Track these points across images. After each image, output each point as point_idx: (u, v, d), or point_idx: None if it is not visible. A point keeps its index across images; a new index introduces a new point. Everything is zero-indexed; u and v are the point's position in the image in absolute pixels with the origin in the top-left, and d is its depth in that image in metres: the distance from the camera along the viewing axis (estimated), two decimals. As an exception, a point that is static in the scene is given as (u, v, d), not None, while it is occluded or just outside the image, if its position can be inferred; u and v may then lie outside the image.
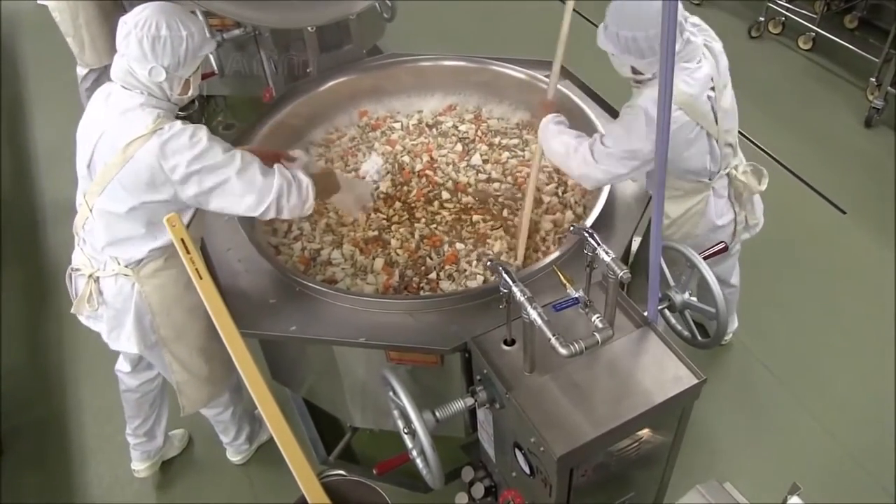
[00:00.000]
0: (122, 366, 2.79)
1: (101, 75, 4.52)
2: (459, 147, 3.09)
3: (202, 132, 2.13)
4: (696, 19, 2.46)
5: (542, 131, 2.58)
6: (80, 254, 2.44)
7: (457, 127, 3.20)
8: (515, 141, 3.11)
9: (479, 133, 3.15)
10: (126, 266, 2.31)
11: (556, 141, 2.53)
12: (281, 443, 1.95)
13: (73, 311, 2.50)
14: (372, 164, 2.95)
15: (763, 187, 2.61)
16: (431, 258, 2.60)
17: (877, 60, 4.73)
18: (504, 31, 5.75)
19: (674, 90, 2.21)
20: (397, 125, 3.26)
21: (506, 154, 3.04)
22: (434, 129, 3.21)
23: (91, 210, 2.26)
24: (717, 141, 2.47)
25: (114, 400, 3.39)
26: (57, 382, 3.54)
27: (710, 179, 2.55)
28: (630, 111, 2.36)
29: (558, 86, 2.86)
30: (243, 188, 2.17)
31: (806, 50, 5.37)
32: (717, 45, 2.48)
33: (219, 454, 3.14)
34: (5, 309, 3.89)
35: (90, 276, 2.39)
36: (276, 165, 2.28)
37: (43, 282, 4.01)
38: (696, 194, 2.59)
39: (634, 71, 2.39)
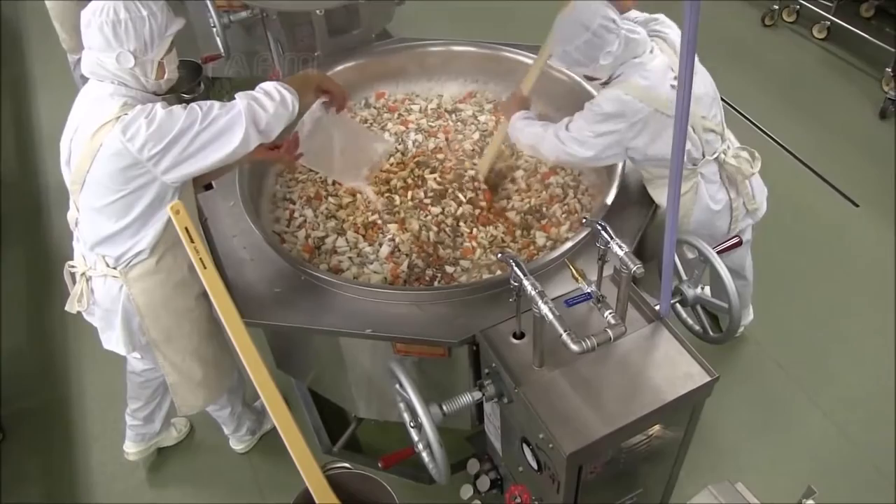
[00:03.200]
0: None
1: None
2: (477, 135, 3.05)
3: (157, 106, 2.04)
4: (635, 14, 2.54)
5: (512, 128, 2.68)
6: (77, 250, 2.41)
7: (476, 116, 3.16)
8: None
9: (498, 123, 3.10)
10: (114, 267, 2.26)
11: (525, 133, 2.62)
12: (285, 436, 1.92)
13: (66, 308, 2.46)
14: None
15: (755, 170, 2.61)
16: (444, 247, 2.56)
17: (893, 50, 4.65)
18: (510, 15, 5.67)
19: (632, 85, 2.33)
20: (415, 107, 3.23)
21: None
22: (454, 115, 3.18)
23: (78, 208, 2.22)
24: (693, 129, 2.46)
25: (117, 386, 3.37)
26: (60, 367, 3.52)
27: (694, 165, 2.52)
28: (588, 107, 2.44)
29: (572, 76, 2.85)
30: (213, 135, 2.04)
31: (820, 39, 5.29)
32: (672, 32, 2.50)
33: (221, 444, 3.12)
34: (8, 292, 3.87)
35: (82, 274, 2.36)
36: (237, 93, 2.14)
37: (46, 265, 3.99)
38: (685, 181, 2.56)
39: (590, 78, 2.51)
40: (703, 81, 2.49)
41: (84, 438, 3.22)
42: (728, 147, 2.59)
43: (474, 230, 2.63)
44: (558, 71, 2.98)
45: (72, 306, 2.45)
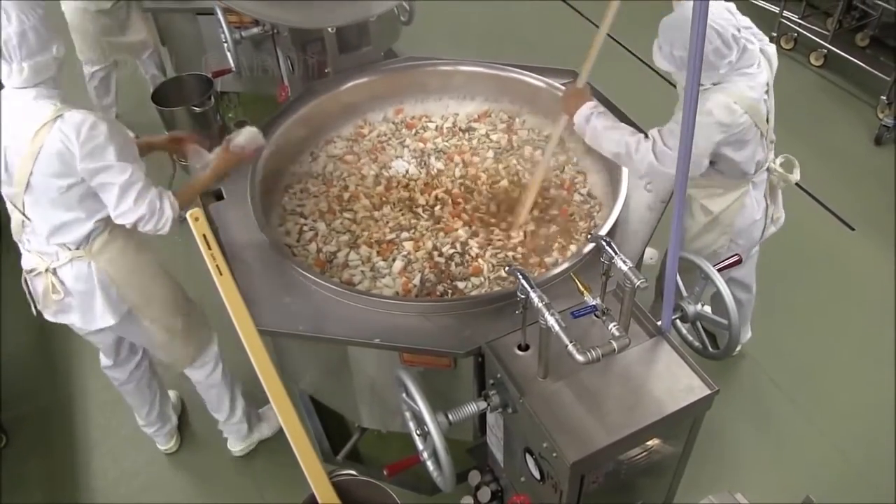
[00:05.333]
0: (105, 361, 2.86)
1: (109, 73, 4.54)
2: (491, 154, 3.10)
3: (103, 126, 2.16)
4: (747, 21, 2.49)
5: (583, 126, 2.59)
6: (28, 256, 2.47)
7: (489, 136, 3.21)
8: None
9: (512, 144, 3.16)
10: (77, 248, 2.38)
11: (611, 140, 2.55)
12: (293, 441, 1.94)
13: (39, 308, 2.54)
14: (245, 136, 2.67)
15: (797, 176, 2.67)
16: (455, 264, 2.62)
17: (888, 79, 4.75)
18: (514, 35, 5.77)
19: (739, 95, 2.31)
20: (432, 125, 3.29)
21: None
22: (467, 134, 3.23)
23: (23, 211, 2.30)
24: (765, 138, 2.54)
25: (119, 393, 3.41)
26: (62, 371, 3.55)
27: (754, 174, 2.61)
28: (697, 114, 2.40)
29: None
30: (118, 199, 2.24)
31: (817, 66, 5.39)
32: (771, 49, 2.53)
33: (223, 449, 3.15)
34: (10, 296, 3.89)
35: (46, 270, 2.42)
36: (153, 189, 2.31)
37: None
38: (735, 190, 2.65)
39: None
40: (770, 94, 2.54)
41: (86, 443, 3.25)
42: (774, 155, 2.67)
43: (486, 251, 2.67)
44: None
45: (46, 304, 2.51)
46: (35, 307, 2.57)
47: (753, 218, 2.69)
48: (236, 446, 3.13)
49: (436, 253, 2.66)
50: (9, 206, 2.35)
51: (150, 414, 2.99)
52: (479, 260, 2.62)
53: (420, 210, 2.84)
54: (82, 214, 2.31)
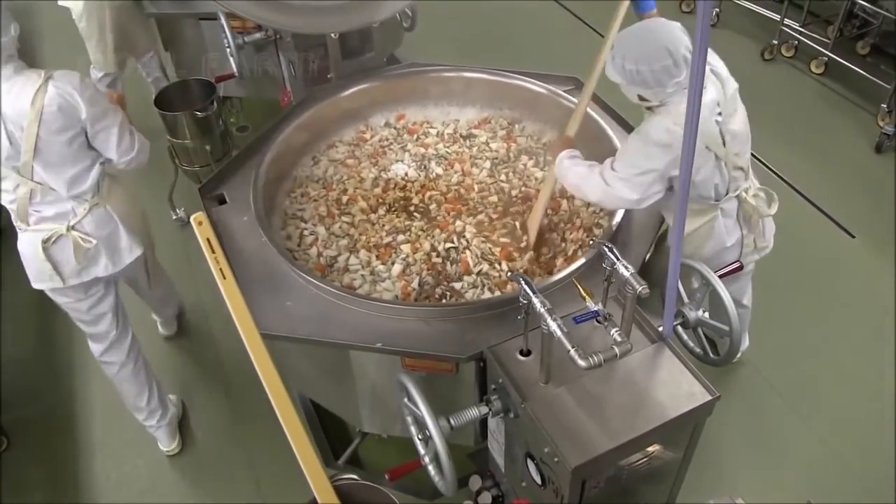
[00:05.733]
0: (98, 348, 2.98)
1: (116, 79, 4.55)
2: (488, 164, 3.12)
3: (88, 79, 2.52)
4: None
5: (558, 167, 2.65)
6: (43, 226, 2.61)
7: (489, 144, 3.23)
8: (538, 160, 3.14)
9: (511, 153, 3.17)
10: (92, 197, 2.62)
11: (571, 173, 2.59)
12: (295, 444, 1.95)
13: (66, 275, 2.69)
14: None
15: (772, 211, 2.63)
16: (449, 264, 2.62)
17: (888, 87, 4.77)
18: (512, 42, 5.79)
19: (679, 114, 2.22)
20: (433, 131, 3.31)
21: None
22: (468, 141, 3.25)
23: (34, 179, 2.49)
24: (725, 164, 2.50)
25: (119, 398, 3.41)
26: (65, 374, 3.56)
27: (717, 201, 2.57)
28: (637, 137, 2.42)
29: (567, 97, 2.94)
30: (118, 139, 2.57)
31: (818, 74, 5.41)
32: (724, 71, 2.51)
33: (224, 451, 3.16)
34: (14, 299, 3.90)
35: (68, 230, 2.60)
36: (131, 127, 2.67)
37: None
38: (703, 215, 2.61)
39: (641, 98, 2.43)
40: (741, 119, 2.52)
41: (88, 446, 3.25)
42: (750, 186, 2.62)
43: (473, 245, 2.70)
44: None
45: (77, 259, 2.65)
46: (60, 275, 2.68)
47: (724, 245, 2.64)
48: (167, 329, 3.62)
49: (434, 254, 2.67)
50: (12, 184, 2.52)
51: (150, 400, 3.05)
52: (466, 252, 2.65)
53: (413, 209, 2.88)
54: (87, 162, 2.56)
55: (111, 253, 2.73)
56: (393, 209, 2.91)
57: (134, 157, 2.64)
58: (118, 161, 2.61)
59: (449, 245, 2.70)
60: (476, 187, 3.01)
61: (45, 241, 2.60)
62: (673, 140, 2.30)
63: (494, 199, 2.94)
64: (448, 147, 3.22)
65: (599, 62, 2.59)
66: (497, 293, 2.55)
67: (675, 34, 2.31)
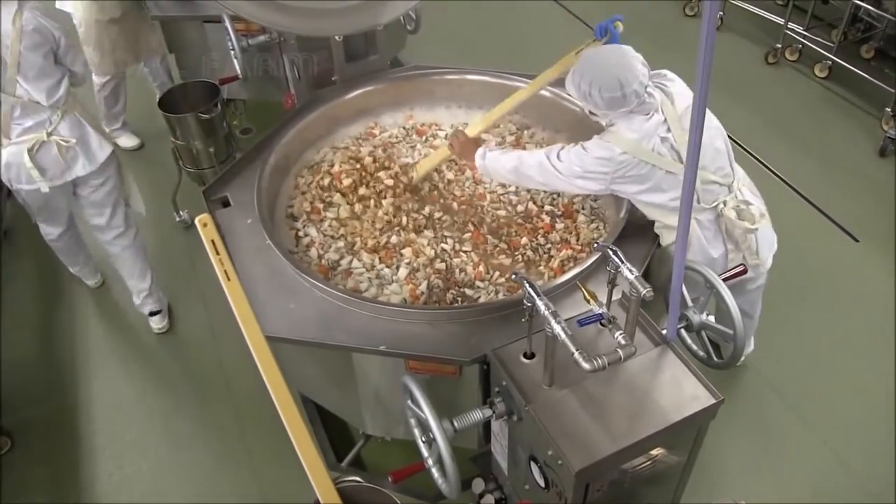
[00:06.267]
0: (99, 221, 3.45)
1: (119, 83, 4.56)
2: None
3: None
4: (663, 71, 2.61)
5: (484, 162, 2.71)
6: (27, 136, 3.04)
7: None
8: None
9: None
10: (64, 104, 3.09)
11: (503, 160, 2.67)
12: (298, 446, 1.95)
13: (49, 178, 3.12)
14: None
15: (754, 227, 2.58)
16: (461, 272, 2.62)
17: (892, 91, 4.76)
18: (515, 45, 5.80)
19: (619, 138, 2.41)
20: (442, 133, 3.31)
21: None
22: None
23: (15, 92, 2.95)
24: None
25: (124, 396, 3.42)
26: (68, 376, 3.56)
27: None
28: (580, 150, 2.51)
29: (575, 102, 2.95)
30: (77, 54, 3.17)
31: (822, 78, 5.40)
32: (675, 88, 2.55)
33: (224, 453, 3.16)
34: (18, 302, 3.91)
35: (48, 135, 3.06)
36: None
37: (53, 275, 4.04)
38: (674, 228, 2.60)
39: (592, 113, 2.55)
40: (715, 135, 2.55)
41: (90, 448, 3.25)
42: (731, 199, 2.60)
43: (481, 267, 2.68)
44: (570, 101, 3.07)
45: (61, 158, 3.10)
46: (46, 179, 3.12)
47: (710, 257, 2.63)
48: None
49: (437, 260, 2.66)
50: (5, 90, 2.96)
51: (144, 277, 3.60)
52: (480, 267, 2.64)
53: (420, 217, 2.86)
54: (59, 75, 3.06)
55: (86, 154, 3.19)
56: (390, 197, 2.92)
57: (88, 73, 3.37)
58: (82, 74, 3.21)
59: (457, 259, 2.69)
60: (488, 197, 2.99)
61: (30, 150, 3.05)
62: (611, 157, 2.43)
63: (503, 213, 2.92)
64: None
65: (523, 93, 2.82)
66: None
67: (633, 68, 2.39)
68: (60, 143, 3.08)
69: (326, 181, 2.97)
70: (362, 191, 2.93)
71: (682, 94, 2.54)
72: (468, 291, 2.54)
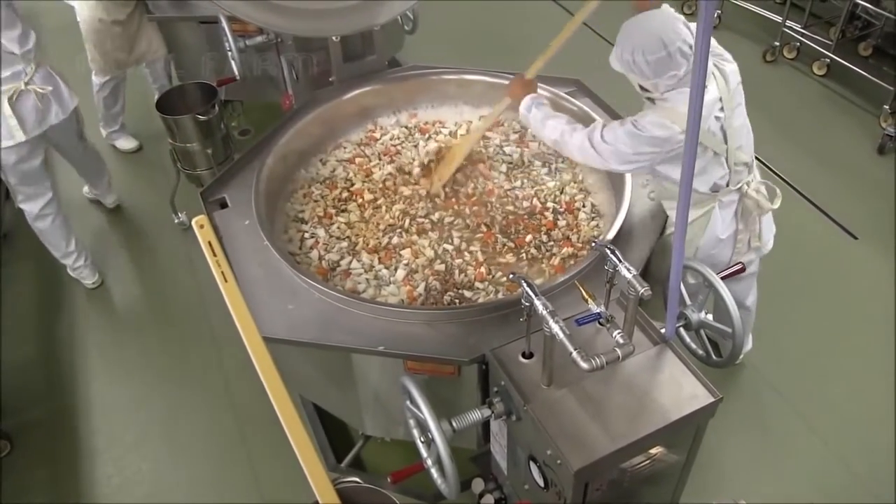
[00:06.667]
0: (35, 206, 3.69)
1: (119, 84, 4.56)
2: (504, 168, 3.10)
3: None
4: (718, 49, 2.53)
5: (525, 115, 2.70)
6: (8, 86, 3.29)
7: (502, 147, 3.21)
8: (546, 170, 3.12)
9: (525, 159, 3.14)
10: (34, 57, 3.37)
11: (548, 126, 2.62)
12: (297, 447, 1.95)
13: (28, 129, 3.37)
14: None
15: (775, 206, 2.63)
16: (461, 273, 2.62)
17: (891, 88, 4.76)
18: (513, 44, 5.78)
19: (677, 113, 2.31)
20: (445, 130, 3.31)
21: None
22: (481, 142, 3.23)
23: None
24: (726, 159, 2.50)
25: (124, 398, 3.43)
26: (67, 379, 3.56)
27: (716, 192, 2.58)
28: (630, 126, 2.42)
29: (578, 103, 2.92)
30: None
31: (820, 76, 5.40)
32: (730, 66, 2.52)
33: (224, 454, 3.16)
34: (18, 304, 3.91)
35: (26, 84, 3.34)
36: None
37: (53, 277, 4.04)
38: (699, 206, 2.61)
39: (643, 88, 2.48)
40: (741, 114, 2.53)
41: (90, 450, 3.25)
42: (752, 180, 2.63)
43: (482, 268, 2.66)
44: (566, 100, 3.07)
45: (40, 105, 3.40)
46: (24, 130, 3.38)
47: (718, 238, 2.65)
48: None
49: (437, 261, 2.66)
50: None
51: (77, 245, 3.88)
52: (481, 268, 2.63)
53: (426, 222, 2.85)
54: (28, 28, 3.32)
55: (59, 102, 3.50)
56: (401, 201, 2.92)
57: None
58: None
59: (459, 260, 2.68)
60: (496, 191, 2.98)
61: (10, 99, 3.30)
62: (670, 136, 2.34)
63: (511, 208, 2.91)
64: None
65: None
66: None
67: (674, 27, 2.33)
68: (38, 91, 3.37)
69: (345, 195, 2.97)
70: (381, 200, 2.93)
71: (735, 71, 2.53)
72: (467, 293, 2.53)
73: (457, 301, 2.51)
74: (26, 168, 3.55)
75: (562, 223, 2.81)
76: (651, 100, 2.49)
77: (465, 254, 2.70)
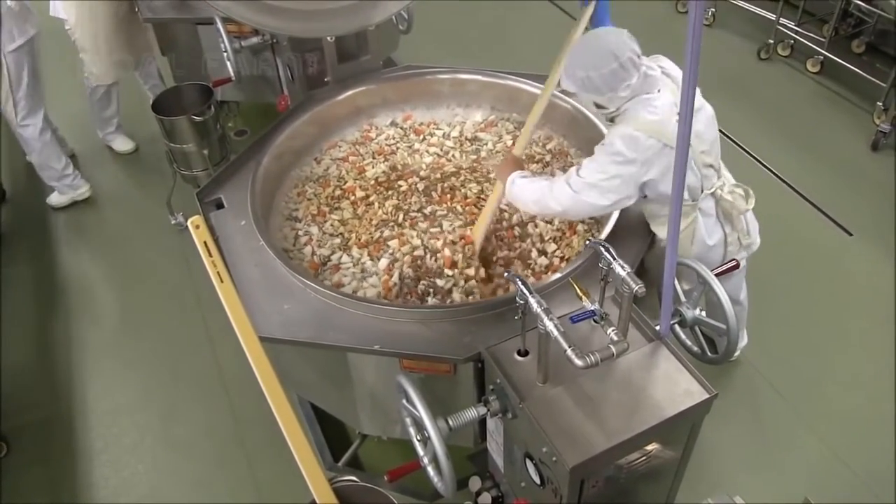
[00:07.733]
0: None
1: (111, 87, 4.56)
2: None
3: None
4: (654, 56, 2.55)
5: (511, 188, 2.60)
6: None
7: (494, 146, 3.22)
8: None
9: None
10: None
11: (528, 190, 2.55)
12: (294, 448, 1.95)
13: (11, 37, 3.82)
14: None
15: (750, 206, 2.62)
16: (430, 257, 2.63)
17: (884, 85, 4.78)
18: (510, 44, 5.81)
19: (640, 121, 2.32)
20: (439, 132, 3.32)
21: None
22: (473, 144, 3.24)
23: None
24: (694, 163, 2.50)
25: (121, 400, 3.43)
26: (64, 381, 3.56)
27: (693, 200, 2.57)
28: (601, 147, 2.42)
29: (572, 102, 2.92)
30: None
31: (814, 73, 5.42)
32: (676, 72, 2.52)
33: (222, 454, 3.16)
34: (12, 308, 3.91)
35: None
36: None
37: (49, 281, 4.04)
38: (684, 217, 2.58)
39: (599, 106, 2.47)
40: (705, 118, 2.51)
41: (87, 452, 3.25)
42: (724, 183, 2.62)
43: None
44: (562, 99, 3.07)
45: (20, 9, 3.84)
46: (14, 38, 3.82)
47: (707, 245, 2.64)
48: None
49: (419, 248, 2.67)
50: None
51: (62, 159, 4.34)
52: (447, 251, 2.63)
53: (419, 216, 2.86)
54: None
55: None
56: (393, 197, 2.93)
57: None
58: None
59: (438, 241, 2.68)
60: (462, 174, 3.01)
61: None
62: (637, 145, 2.33)
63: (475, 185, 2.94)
64: (456, 150, 3.22)
65: (550, 84, 2.64)
66: (475, 289, 2.56)
67: (620, 40, 2.35)
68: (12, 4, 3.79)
69: (338, 193, 2.99)
70: (373, 197, 2.95)
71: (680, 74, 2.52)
72: (439, 282, 2.54)
73: (430, 290, 2.51)
74: (29, 71, 3.99)
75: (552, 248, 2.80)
76: (612, 120, 2.49)
77: (447, 234, 2.71)
